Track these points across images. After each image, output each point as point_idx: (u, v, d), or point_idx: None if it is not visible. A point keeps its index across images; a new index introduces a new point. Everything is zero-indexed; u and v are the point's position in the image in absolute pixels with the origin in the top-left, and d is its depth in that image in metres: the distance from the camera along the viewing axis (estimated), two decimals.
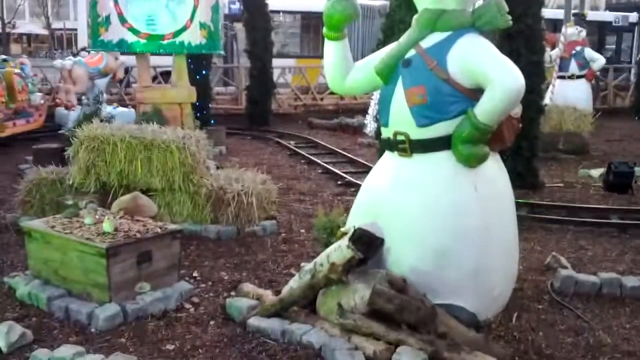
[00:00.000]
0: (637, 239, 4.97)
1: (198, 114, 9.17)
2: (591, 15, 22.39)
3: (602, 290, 3.75)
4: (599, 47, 20.98)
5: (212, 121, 10.05)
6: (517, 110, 3.32)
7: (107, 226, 3.47)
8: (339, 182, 7.10)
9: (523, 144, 6.72)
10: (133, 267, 3.38)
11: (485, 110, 2.98)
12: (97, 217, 3.69)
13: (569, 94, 11.08)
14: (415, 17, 3.30)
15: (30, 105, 9.35)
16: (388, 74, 3.27)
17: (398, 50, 3.28)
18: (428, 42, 3.17)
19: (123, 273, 3.33)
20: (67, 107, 8.57)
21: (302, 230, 5.10)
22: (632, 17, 21.14)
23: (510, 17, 3.15)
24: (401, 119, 3.19)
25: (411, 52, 3.21)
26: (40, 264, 3.62)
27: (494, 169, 3.25)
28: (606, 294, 3.73)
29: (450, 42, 3.11)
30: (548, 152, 8.68)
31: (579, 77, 11.71)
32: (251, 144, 9.86)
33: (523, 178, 6.69)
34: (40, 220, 3.85)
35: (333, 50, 3.47)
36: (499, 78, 2.95)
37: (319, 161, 8.20)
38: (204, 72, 9.74)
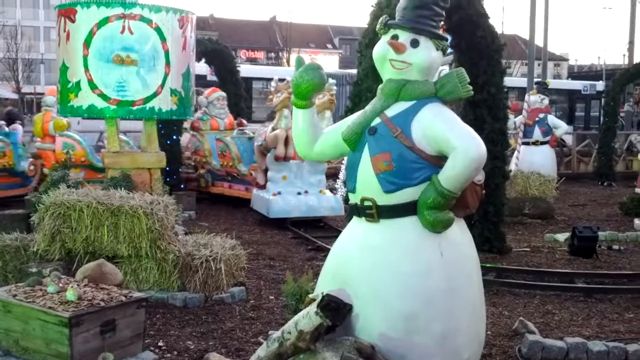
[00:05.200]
0: (603, 303, 5.04)
1: (168, 179, 9.16)
2: (561, 84, 23.42)
3: (569, 355, 3.77)
4: (570, 114, 21.85)
5: (183, 185, 10.03)
6: (480, 177, 3.41)
7: (70, 295, 3.39)
8: (309, 247, 7.09)
9: (490, 209, 6.87)
10: (96, 336, 3.30)
11: (448, 177, 3.06)
12: (60, 285, 3.61)
13: (533, 160, 11.40)
14: (380, 86, 3.42)
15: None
16: (355, 141, 3.34)
17: (364, 118, 3.37)
18: (393, 110, 3.27)
19: (86, 343, 3.24)
20: None
21: (272, 297, 5.05)
22: (599, 85, 22.15)
23: (471, 88, 3.29)
24: (368, 185, 3.24)
25: (377, 120, 3.29)
26: (1, 334, 3.49)
27: (459, 234, 3.29)
28: (573, 359, 3.74)
29: (413, 111, 3.21)
30: (515, 216, 8.87)
31: (542, 143, 12.07)
32: (221, 209, 9.83)
33: (490, 243, 6.81)
34: (1, 289, 3.74)
35: (301, 118, 3.54)
36: (461, 146, 3.04)
37: (288, 226, 8.20)
38: (174, 137, 9.80)
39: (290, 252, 6.90)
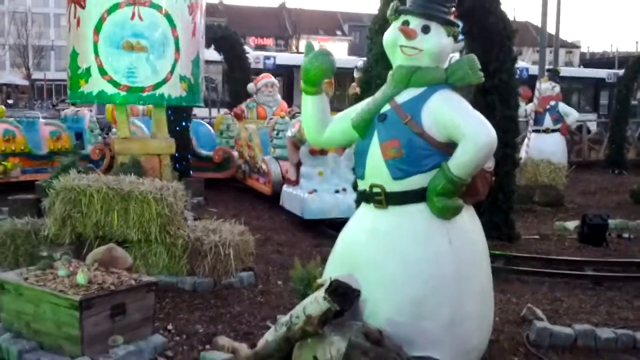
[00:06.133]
0: (611, 291, 5.03)
1: (177, 165, 9.19)
2: (585, 72, 23.30)
3: (577, 342, 3.77)
4: (594, 102, 21.81)
5: (191, 171, 10.06)
6: (490, 164, 3.40)
7: (81, 278, 3.42)
8: (318, 233, 7.10)
9: (499, 196, 6.83)
10: (107, 319, 3.33)
11: (458, 163, 3.05)
12: (71, 269, 3.64)
13: (544, 148, 11.34)
14: (390, 73, 3.40)
15: None
16: (364, 128, 3.34)
17: (374, 104, 3.36)
18: (403, 97, 3.26)
19: (96, 326, 3.27)
20: None
21: (280, 282, 5.07)
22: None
23: (482, 74, 3.27)
24: (377, 172, 3.24)
25: (386, 107, 3.29)
26: (12, 316, 3.54)
27: (468, 221, 3.30)
28: (581, 346, 3.76)
29: (424, 98, 3.20)
30: (524, 204, 8.83)
31: (553, 130, 11.99)
32: (231, 195, 9.86)
33: (500, 230, 6.78)
34: (13, 272, 3.78)
35: (310, 104, 3.54)
36: (471, 132, 3.04)
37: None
38: (184, 123, 9.81)
39: (298, 238, 6.92)
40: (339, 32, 57.37)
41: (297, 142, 7.91)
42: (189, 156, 10.30)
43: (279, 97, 10.99)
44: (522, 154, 11.76)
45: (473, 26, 6.94)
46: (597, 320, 4.29)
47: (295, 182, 7.89)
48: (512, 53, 7.07)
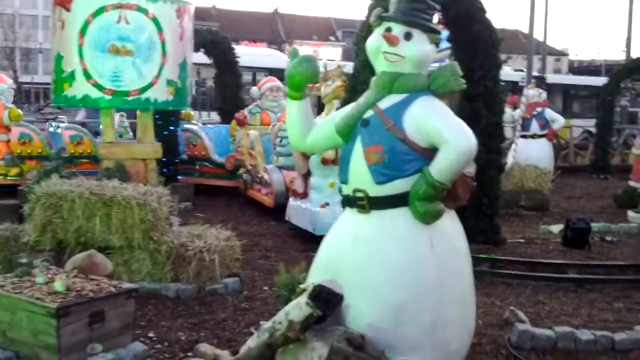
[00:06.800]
0: (593, 293, 5.09)
1: (165, 170, 9.14)
2: (591, 81, 23.59)
3: (557, 344, 3.82)
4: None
5: (179, 176, 10.01)
6: (471, 169, 3.43)
7: (58, 285, 3.38)
8: (306, 239, 7.08)
9: (484, 201, 6.87)
10: (85, 327, 3.29)
11: (439, 168, 3.07)
12: (49, 276, 3.60)
13: (531, 153, 11.46)
14: (373, 79, 3.42)
15: None
16: (348, 133, 3.35)
17: (357, 110, 3.38)
18: (385, 103, 3.28)
19: (74, 334, 3.24)
20: None
21: (265, 288, 5.05)
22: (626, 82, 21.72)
23: (464, 81, 3.29)
24: (360, 177, 3.25)
25: (369, 113, 3.30)
26: None
27: (450, 226, 3.31)
28: (561, 348, 3.81)
29: (406, 104, 3.22)
30: (511, 208, 8.90)
31: (540, 136, 12.09)
32: (219, 200, 9.81)
33: (485, 234, 6.81)
34: None
35: (295, 109, 3.54)
36: (452, 138, 3.06)
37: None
38: (171, 127, 9.77)
39: (287, 244, 6.90)
40: (332, 38, 57.46)
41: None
42: (205, 163, 10.19)
43: (284, 102, 10.44)
44: (510, 159, 11.87)
45: (458, 34, 6.99)
46: (577, 322, 4.33)
47: (304, 195, 7.23)
48: (497, 60, 7.12)
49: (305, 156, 7.10)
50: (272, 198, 8.30)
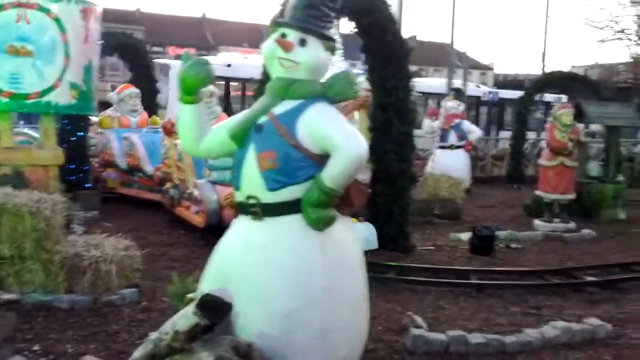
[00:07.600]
0: (492, 298, 5.26)
1: (73, 177, 8.77)
2: (506, 94, 24.56)
3: (449, 347, 3.91)
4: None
5: (89, 184, 9.61)
6: (365, 176, 3.48)
7: None
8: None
9: (395, 209, 7.00)
10: None
11: (331, 175, 3.08)
12: None
13: (448, 163, 11.85)
14: (268, 84, 3.40)
15: None
16: (241, 138, 3.31)
17: (252, 115, 3.34)
18: (280, 109, 3.26)
19: None
20: None
21: (165, 299, 4.89)
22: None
23: (358, 89, 3.34)
24: (253, 183, 3.21)
25: (263, 118, 3.27)
26: None
27: (343, 232, 3.32)
28: (453, 352, 3.93)
29: (300, 110, 3.21)
30: (424, 217, 9.11)
31: (457, 147, 12.48)
32: (130, 209, 9.50)
33: (395, 241, 6.94)
34: None
35: (188, 114, 3.47)
36: (343, 145, 3.07)
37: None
38: (80, 133, 9.38)
39: (196, 254, 6.72)
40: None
41: None
42: (140, 174, 9.79)
43: (218, 108, 9.47)
44: (428, 169, 12.18)
45: (370, 43, 7.10)
46: (473, 326, 4.45)
47: None
48: (408, 71, 7.27)
49: None
50: (204, 217, 7.38)
